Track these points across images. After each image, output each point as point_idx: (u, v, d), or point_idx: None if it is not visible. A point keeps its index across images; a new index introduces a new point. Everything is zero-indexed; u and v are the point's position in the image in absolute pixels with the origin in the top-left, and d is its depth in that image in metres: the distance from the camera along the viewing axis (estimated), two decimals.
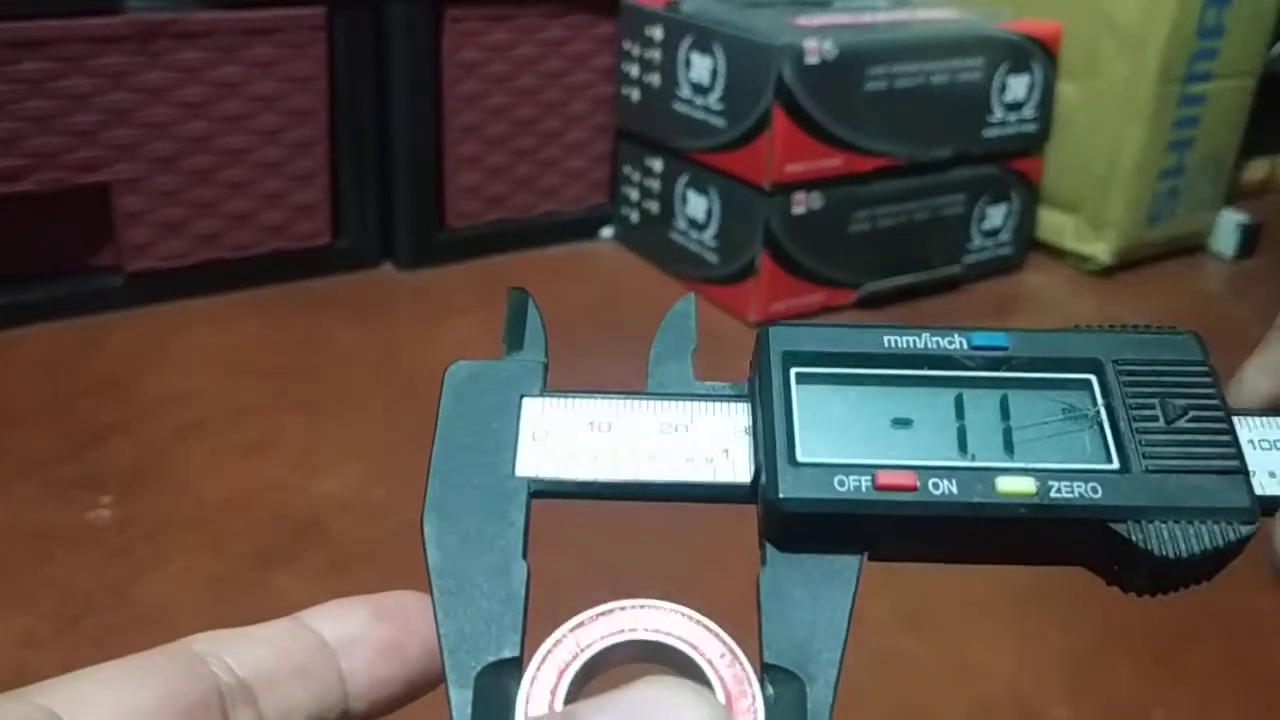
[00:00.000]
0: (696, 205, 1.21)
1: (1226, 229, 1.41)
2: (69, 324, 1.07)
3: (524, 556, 0.21)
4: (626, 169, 1.32)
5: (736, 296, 1.17)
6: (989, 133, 1.24)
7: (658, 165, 1.27)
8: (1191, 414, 0.22)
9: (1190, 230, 1.40)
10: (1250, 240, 1.41)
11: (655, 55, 1.23)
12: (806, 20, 1.17)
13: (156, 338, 1.07)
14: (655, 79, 1.23)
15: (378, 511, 0.84)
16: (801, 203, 1.14)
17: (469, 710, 0.20)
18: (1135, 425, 0.22)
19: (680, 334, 0.24)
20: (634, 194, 1.31)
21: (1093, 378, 0.22)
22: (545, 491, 0.22)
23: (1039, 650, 0.76)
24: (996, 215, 1.29)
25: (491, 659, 0.20)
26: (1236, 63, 1.32)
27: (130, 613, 0.73)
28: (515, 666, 0.20)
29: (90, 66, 1.02)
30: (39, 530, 0.80)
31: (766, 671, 0.20)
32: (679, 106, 1.21)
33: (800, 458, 0.21)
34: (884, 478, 0.21)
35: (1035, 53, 1.25)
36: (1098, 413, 0.22)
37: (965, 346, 0.23)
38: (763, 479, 0.21)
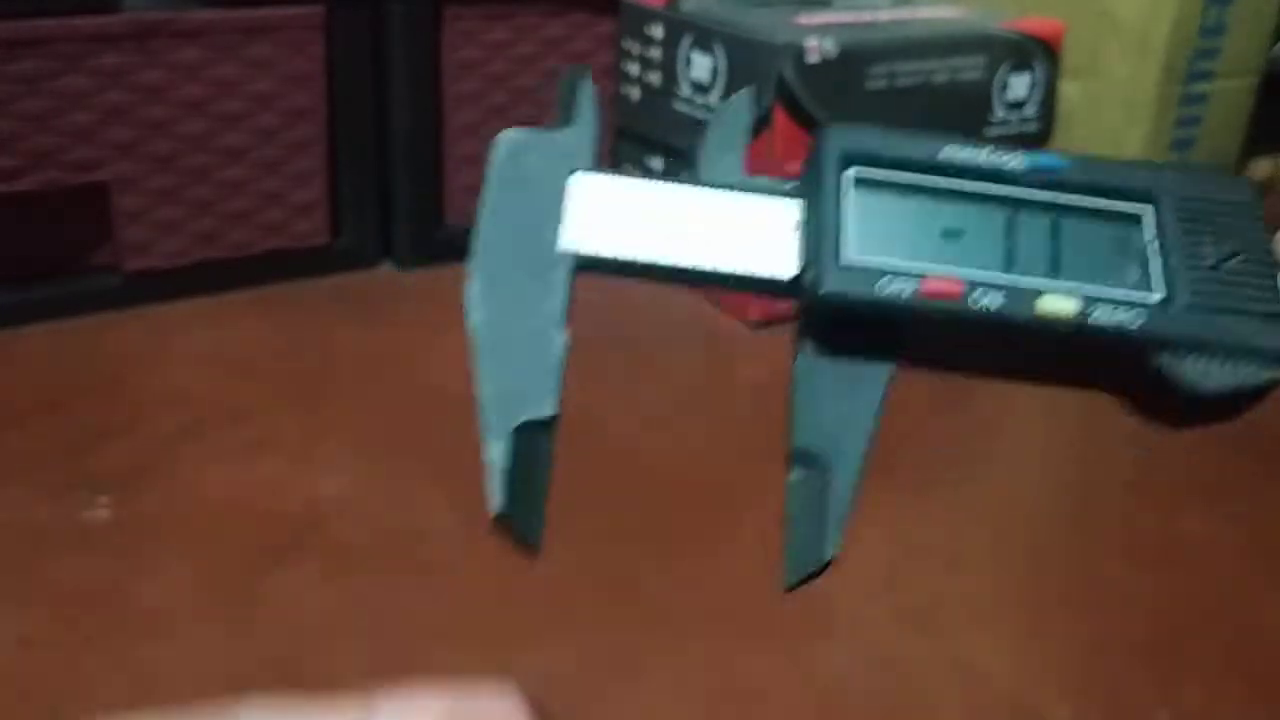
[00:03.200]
0: None
1: None
2: (66, 324, 1.07)
3: (564, 326, 0.22)
4: (626, 168, 1.32)
5: (737, 296, 1.17)
6: (990, 132, 1.24)
7: (658, 164, 1.26)
8: (1241, 257, 0.22)
9: None
10: None
11: (655, 54, 1.23)
12: (807, 19, 1.17)
13: (155, 337, 1.07)
14: (655, 78, 1.23)
15: (377, 511, 0.84)
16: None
17: (506, 460, 0.20)
18: (1185, 260, 0.22)
19: (734, 127, 0.25)
20: None
21: (1148, 209, 0.22)
22: (589, 266, 0.23)
23: (1040, 650, 0.75)
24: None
25: (528, 417, 0.21)
26: (1239, 62, 1.31)
27: (129, 613, 0.72)
28: (550, 425, 0.21)
29: (87, 65, 1.02)
30: (36, 530, 0.79)
31: (794, 455, 0.21)
32: (679, 105, 1.20)
33: (848, 257, 0.22)
34: (930, 284, 0.21)
35: (1037, 52, 1.25)
36: (1148, 244, 0.22)
37: (1023, 165, 0.23)
38: (807, 274, 0.22)
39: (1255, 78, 1.34)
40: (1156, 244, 0.22)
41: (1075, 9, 1.27)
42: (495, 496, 0.19)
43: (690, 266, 0.22)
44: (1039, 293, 0.21)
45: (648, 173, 1.29)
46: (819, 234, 0.22)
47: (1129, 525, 0.85)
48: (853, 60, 1.11)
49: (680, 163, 1.23)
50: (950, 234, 0.22)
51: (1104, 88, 1.27)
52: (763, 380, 1.11)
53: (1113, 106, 1.26)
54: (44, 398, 0.96)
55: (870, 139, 0.23)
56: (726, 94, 1.14)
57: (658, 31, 1.22)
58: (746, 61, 1.11)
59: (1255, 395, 0.21)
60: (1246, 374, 0.21)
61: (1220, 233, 0.22)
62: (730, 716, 0.69)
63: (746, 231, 0.22)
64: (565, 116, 0.24)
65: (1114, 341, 0.21)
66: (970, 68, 1.20)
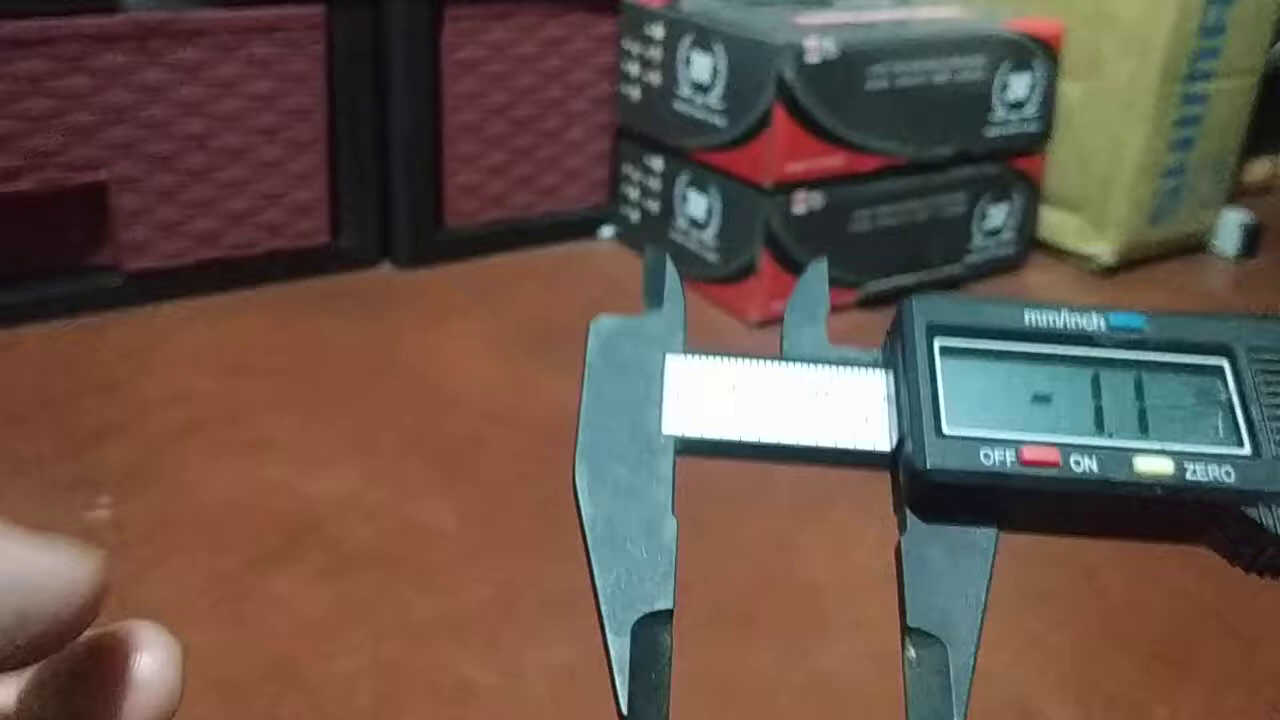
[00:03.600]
0: (697, 204, 1.21)
1: (1229, 228, 1.41)
2: (67, 323, 1.07)
3: (673, 512, 0.22)
4: (626, 168, 1.32)
5: (737, 296, 1.17)
6: (990, 132, 1.24)
7: (658, 164, 1.26)
8: None
9: (1192, 230, 1.40)
10: (1252, 240, 1.41)
11: (655, 54, 1.22)
12: (807, 19, 1.17)
13: (155, 337, 1.07)
14: (655, 78, 1.23)
15: (376, 511, 0.84)
16: (802, 202, 1.14)
17: (628, 656, 0.20)
18: (1266, 411, 0.22)
19: (814, 299, 0.25)
20: (634, 193, 1.31)
21: (1225, 362, 0.23)
22: (691, 449, 0.23)
23: (1041, 650, 0.75)
24: (998, 215, 1.29)
25: (647, 609, 0.21)
26: (1238, 62, 1.31)
27: (129, 613, 0.72)
28: (669, 618, 0.21)
29: (88, 65, 1.02)
30: (37, 530, 0.79)
31: (909, 634, 0.21)
32: (679, 105, 1.20)
33: (946, 429, 0.22)
34: (1028, 452, 0.21)
35: (1037, 52, 1.25)
36: (1230, 397, 0.22)
37: (1103, 326, 0.23)
38: (908, 448, 0.22)
39: (1255, 78, 1.34)
40: (1238, 397, 0.23)
41: (1075, 9, 1.27)
42: (621, 697, 0.19)
43: (788, 444, 0.23)
44: (1133, 454, 0.22)
45: (647, 173, 1.29)
46: (915, 407, 0.22)
47: None
48: (853, 60, 1.11)
49: (680, 162, 1.23)
50: (1040, 399, 0.23)
51: (1104, 88, 1.27)
52: None
53: (1113, 106, 1.26)
54: (44, 397, 0.96)
55: (952, 310, 0.24)
56: (727, 93, 1.14)
57: (658, 31, 1.22)
58: (746, 61, 1.11)
59: None
60: None
61: None
62: (731, 714, 0.69)
63: (839, 405, 0.23)
64: (653, 300, 0.25)
65: (1209, 497, 0.21)
66: (970, 68, 1.20)
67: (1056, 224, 1.36)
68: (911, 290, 1.28)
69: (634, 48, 1.26)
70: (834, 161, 1.14)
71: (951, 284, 1.26)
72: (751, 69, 1.11)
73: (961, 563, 0.22)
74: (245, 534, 0.81)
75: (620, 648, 0.20)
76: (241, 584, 0.76)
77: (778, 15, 1.17)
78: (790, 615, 0.77)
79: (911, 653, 0.21)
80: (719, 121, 1.15)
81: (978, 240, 1.29)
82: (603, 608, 0.21)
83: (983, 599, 0.22)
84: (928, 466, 0.21)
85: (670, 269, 0.25)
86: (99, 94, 1.03)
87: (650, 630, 0.21)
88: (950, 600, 0.21)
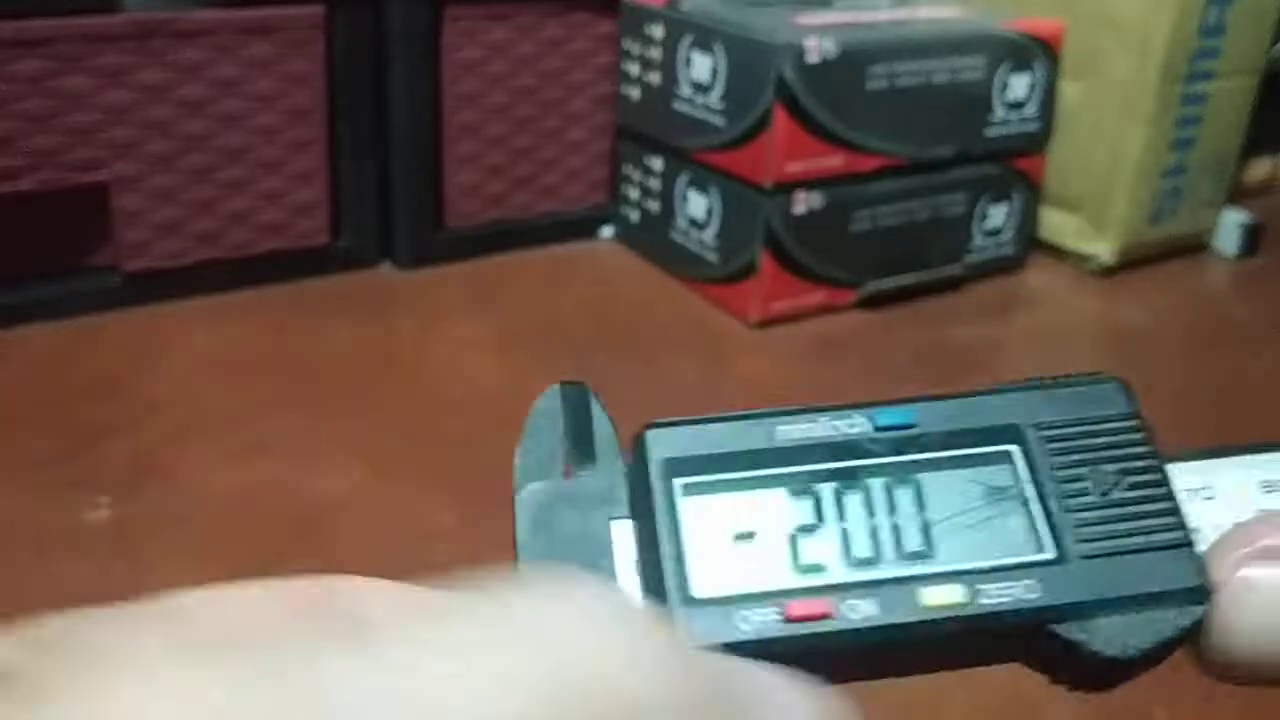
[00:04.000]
0: (697, 204, 1.21)
1: (1229, 228, 1.41)
2: (66, 324, 1.07)
3: None
4: (626, 168, 1.32)
5: (737, 296, 1.17)
6: (990, 132, 1.24)
7: (658, 164, 1.26)
8: (1127, 480, 0.19)
9: (1192, 230, 1.40)
10: (1253, 240, 1.41)
11: (655, 54, 1.22)
12: (807, 19, 1.17)
13: (154, 337, 1.07)
14: (655, 78, 1.23)
15: (377, 511, 0.84)
16: (802, 202, 1.14)
17: None
18: (1066, 502, 0.19)
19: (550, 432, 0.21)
20: (634, 193, 1.31)
21: (1014, 448, 0.20)
22: None
23: None
24: (998, 215, 1.29)
25: None
26: (1239, 61, 1.31)
27: None
28: None
29: (88, 65, 1.02)
30: (37, 531, 0.79)
31: None
32: (679, 105, 1.20)
33: (696, 593, 0.18)
34: (794, 608, 0.18)
35: (1037, 52, 1.25)
36: (1022, 491, 0.19)
37: (870, 429, 0.20)
38: None
39: (1255, 78, 1.34)
40: (1032, 488, 0.19)
41: (1075, 9, 1.27)
42: None
43: None
44: (917, 584, 0.18)
45: (647, 173, 1.29)
46: (657, 569, 0.18)
47: None
48: (853, 60, 1.11)
49: (680, 162, 1.23)
50: (805, 531, 0.19)
51: (1104, 88, 1.27)
52: (762, 378, 1.11)
53: (1113, 106, 1.26)
54: (43, 398, 0.96)
55: (693, 438, 0.20)
56: (727, 93, 1.14)
57: (658, 31, 1.22)
58: (746, 61, 1.11)
59: (1181, 641, 0.19)
60: (1164, 622, 0.19)
61: (1099, 457, 0.19)
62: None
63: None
64: (582, 453, 0.21)
65: (1013, 622, 0.18)
66: (970, 68, 1.20)
67: (1056, 224, 1.36)
68: (912, 290, 1.27)
69: (634, 48, 1.26)
70: (834, 161, 1.14)
71: (952, 284, 1.26)
72: (751, 69, 1.11)
73: None
74: (245, 534, 0.81)
75: None
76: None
77: (778, 15, 1.17)
78: None
79: None
80: (719, 121, 1.15)
81: (978, 240, 1.29)
82: None
83: None
84: None
85: (597, 410, 0.21)
86: (99, 94, 1.03)
87: None
88: None
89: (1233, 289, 1.38)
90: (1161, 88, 1.25)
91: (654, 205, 1.28)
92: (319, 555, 0.79)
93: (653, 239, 1.29)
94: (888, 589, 0.18)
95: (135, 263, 1.10)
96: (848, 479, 0.20)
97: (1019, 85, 1.24)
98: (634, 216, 1.32)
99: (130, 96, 1.05)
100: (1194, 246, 1.41)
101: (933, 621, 0.18)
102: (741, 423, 0.20)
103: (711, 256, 1.20)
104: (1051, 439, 0.20)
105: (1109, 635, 0.19)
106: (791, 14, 1.18)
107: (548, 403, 0.22)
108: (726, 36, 1.13)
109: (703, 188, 1.20)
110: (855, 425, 0.20)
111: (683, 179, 1.23)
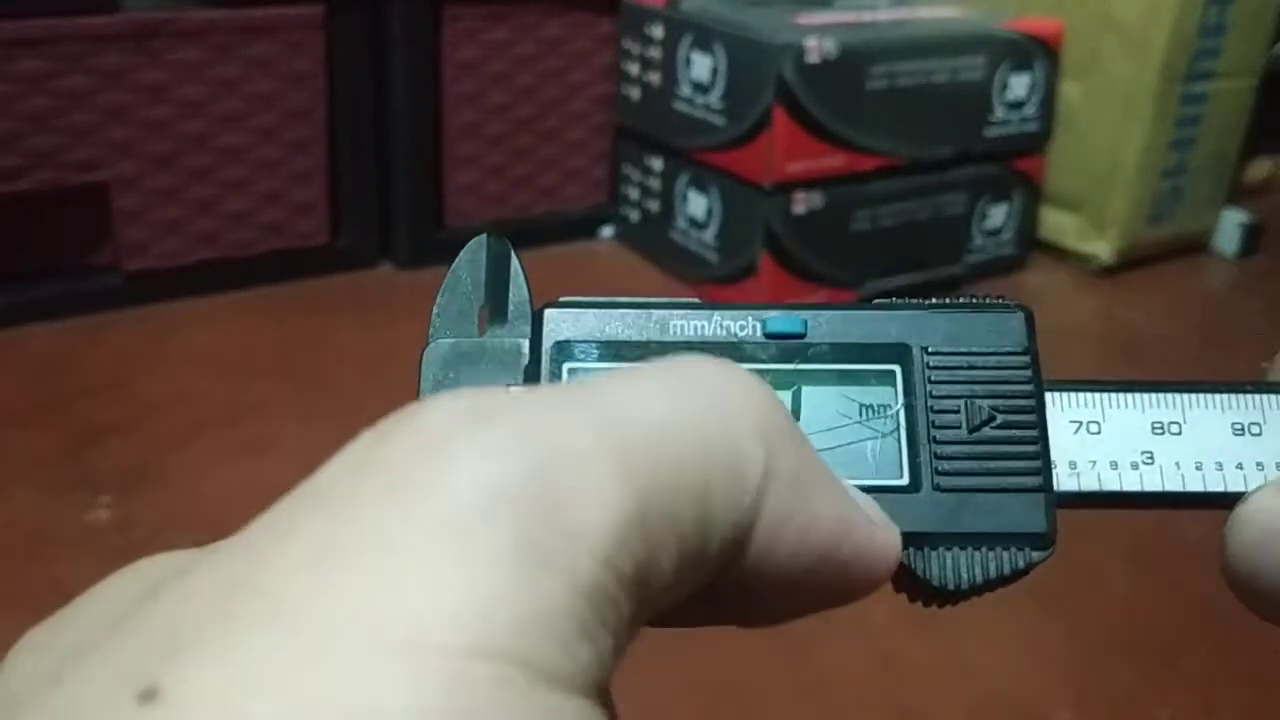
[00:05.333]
0: (697, 204, 1.21)
1: (1228, 228, 1.41)
2: (67, 324, 1.07)
3: None
4: (626, 168, 1.32)
5: (737, 296, 1.17)
6: (990, 132, 1.24)
7: (658, 164, 1.26)
8: (1000, 419, 0.19)
9: (1192, 229, 1.40)
10: (1252, 239, 1.41)
11: (655, 54, 1.22)
12: (807, 19, 1.17)
13: (155, 337, 1.07)
14: (655, 77, 1.23)
15: None
16: (802, 202, 1.14)
17: None
18: (934, 432, 0.19)
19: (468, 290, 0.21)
20: (634, 193, 1.31)
21: (897, 368, 0.19)
22: None
23: (1041, 650, 0.75)
24: (998, 215, 1.29)
25: None
26: (1238, 61, 1.31)
27: None
28: None
29: (88, 65, 1.02)
30: (38, 531, 0.79)
31: None
32: (679, 105, 1.20)
33: None
34: None
35: (1037, 51, 1.25)
36: (896, 414, 0.19)
37: (758, 333, 0.19)
38: None
39: (1255, 78, 1.34)
40: (905, 413, 0.19)
41: (1075, 9, 1.27)
42: None
43: None
44: None
45: (647, 173, 1.29)
46: None
47: (1130, 526, 0.85)
48: (853, 60, 1.11)
49: (680, 162, 1.23)
50: None
51: (1104, 87, 1.27)
52: None
53: (1113, 106, 1.26)
54: (44, 398, 0.96)
55: (587, 322, 0.20)
56: (727, 93, 1.14)
57: (658, 31, 1.22)
58: (746, 61, 1.11)
59: (1015, 579, 0.19)
60: (1000, 562, 0.18)
61: (977, 390, 0.19)
62: (731, 714, 0.69)
63: None
64: (495, 311, 0.21)
65: None
66: (970, 68, 1.20)
67: (1056, 224, 1.36)
68: (912, 290, 1.28)
69: (634, 47, 1.26)
70: (834, 161, 1.14)
71: (952, 284, 1.26)
72: (751, 69, 1.11)
73: None
74: None
75: None
76: None
77: (778, 15, 1.17)
78: None
79: None
80: (719, 121, 1.15)
81: (978, 240, 1.29)
82: None
83: None
84: None
85: (516, 267, 0.21)
86: (99, 94, 1.03)
87: None
88: None
89: (1232, 288, 1.38)
90: (1161, 87, 1.25)
91: (654, 205, 1.28)
92: None
93: (653, 239, 1.29)
94: None
95: (135, 263, 1.10)
96: None
97: (1019, 85, 1.24)
98: (634, 216, 1.32)
99: (130, 96, 1.05)
100: (1194, 246, 1.41)
101: None
102: (639, 311, 0.20)
103: (711, 256, 1.20)
104: (936, 365, 0.19)
105: (945, 566, 0.18)
106: (791, 14, 1.18)
107: (471, 255, 0.22)
108: (726, 36, 1.13)
109: (703, 188, 1.20)
110: (745, 328, 0.20)
111: (683, 179, 1.23)
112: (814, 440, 0.17)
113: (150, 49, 1.04)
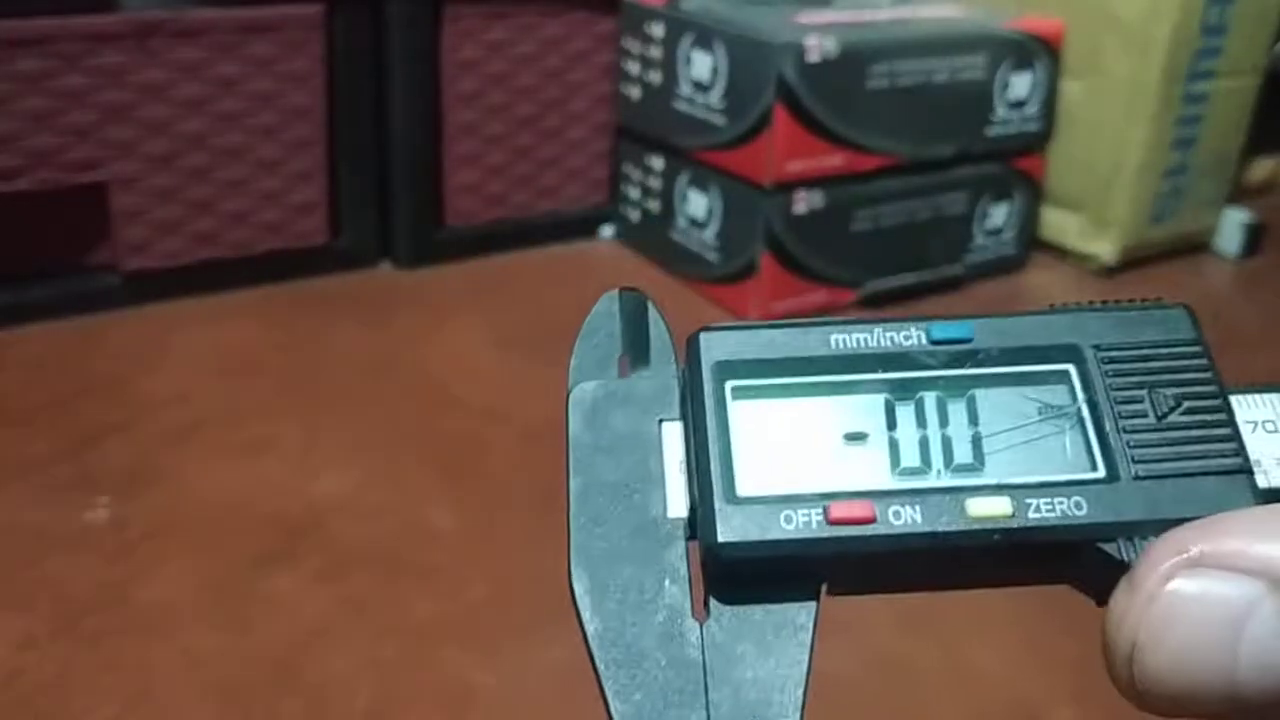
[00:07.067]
0: (697, 204, 1.21)
1: (1230, 228, 1.41)
2: (65, 324, 1.07)
3: (693, 612, 0.19)
4: (627, 167, 1.32)
5: (737, 296, 1.17)
6: (991, 131, 1.24)
7: (658, 164, 1.26)
8: (1185, 405, 0.19)
9: (1194, 229, 1.39)
10: (1254, 239, 1.40)
11: (656, 53, 1.22)
12: (808, 18, 1.16)
13: (154, 337, 1.07)
14: (656, 77, 1.23)
15: (376, 512, 0.84)
16: (803, 201, 1.13)
17: None
18: (1122, 423, 0.19)
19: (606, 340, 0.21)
20: (634, 193, 1.31)
21: (1071, 368, 0.20)
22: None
23: (1042, 652, 0.75)
24: (999, 214, 1.29)
25: None
26: (1240, 61, 1.31)
27: (128, 614, 0.72)
28: None
29: (86, 64, 1.02)
30: (36, 531, 0.79)
31: None
32: (680, 104, 1.20)
33: (741, 491, 0.18)
34: (837, 509, 0.18)
35: (1038, 51, 1.25)
36: (1078, 410, 0.19)
37: (924, 341, 0.20)
38: (700, 517, 0.18)
39: (1257, 77, 1.34)
40: (1088, 408, 0.19)
41: (1076, 8, 1.27)
42: None
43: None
44: (965, 494, 0.18)
45: (647, 172, 1.29)
46: (704, 466, 0.19)
47: None
48: (853, 60, 1.11)
49: (680, 162, 1.23)
50: (854, 439, 0.19)
51: (1105, 87, 1.26)
52: None
53: (1114, 105, 1.26)
54: (42, 398, 0.96)
55: (746, 342, 0.20)
56: (727, 92, 1.14)
57: (658, 31, 1.22)
58: (746, 61, 1.11)
59: None
60: None
61: (1158, 380, 0.19)
62: None
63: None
64: (637, 355, 0.21)
65: (1059, 538, 0.18)
66: (971, 67, 1.20)
67: (1058, 223, 1.35)
68: (913, 290, 1.27)
69: (634, 47, 1.25)
70: (834, 161, 1.13)
71: (953, 283, 1.26)
72: (752, 68, 1.10)
73: (775, 650, 0.18)
74: (245, 534, 0.80)
75: None
76: (241, 585, 0.75)
77: (778, 14, 1.17)
78: None
79: None
80: (719, 121, 1.15)
81: (979, 240, 1.28)
82: None
83: (802, 687, 0.18)
84: (719, 540, 0.18)
85: (654, 315, 0.22)
86: (98, 93, 1.03)
87: None
88: (763, 695, 0.18)
89: (1234, 288, 1.38)
90: (1163, 87, 1.25)
91: (654, 205, 1.28)
92: (319, 555, 0.79)
93: (653, 238, 1.29)
94: (934, 498, 0.18)
95: (135, 263, 1.10)
96: (899, 390, 0.20)
97: (1020, 84, 1.24)
98: (634, 216, 1.32)
99: (130, 96, 1.05)
100: (1195, 246, 1.41)
101: (978, 532, 0.18)
102: (796, 330, 0.20)
103: (712, 256, 1.20)
104: (1111, 360, 0.20)
105: None
106: (792, 13, 1.18)
107: (605, 307, 0.22)
108: (727, 36, 1.13)
109: (703, 187, 1.20)
110: (910, 337, 0.20)
111: (683, 178, 1.23)
112: (1000, 441, 0.18)
113: (149, 48, 1.04)
